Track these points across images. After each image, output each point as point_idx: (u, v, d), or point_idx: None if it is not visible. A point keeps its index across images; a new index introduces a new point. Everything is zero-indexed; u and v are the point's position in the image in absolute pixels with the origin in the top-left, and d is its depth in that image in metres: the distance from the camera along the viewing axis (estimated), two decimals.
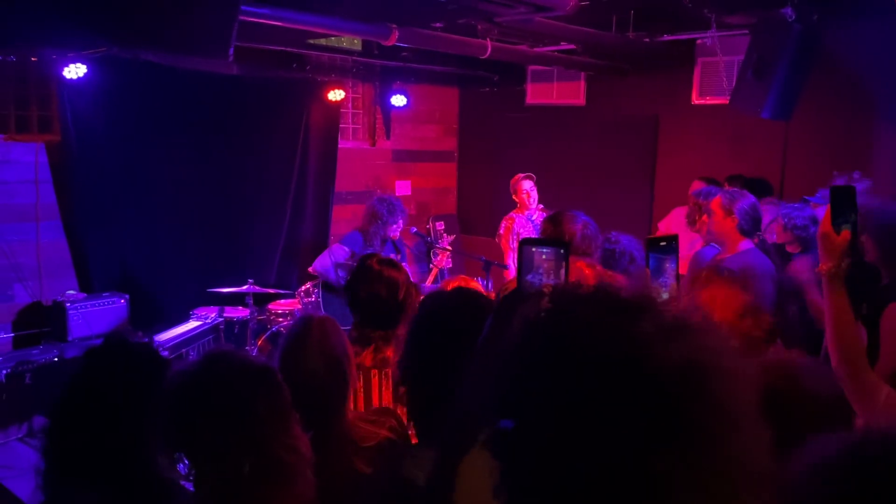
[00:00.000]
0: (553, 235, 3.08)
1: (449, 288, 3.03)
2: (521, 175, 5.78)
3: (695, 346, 0.71)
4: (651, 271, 1.36)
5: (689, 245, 4.58)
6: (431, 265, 5.55)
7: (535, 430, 0.71)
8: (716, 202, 3.67)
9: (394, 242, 5.20)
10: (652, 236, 1.42)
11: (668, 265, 1.37)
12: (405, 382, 1.51)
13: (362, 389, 2.34)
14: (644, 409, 0.68)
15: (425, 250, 6.62)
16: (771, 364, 1.37)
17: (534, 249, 1.15)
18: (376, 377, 2.36)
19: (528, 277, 1.14)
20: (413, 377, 1.49)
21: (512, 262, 5.59)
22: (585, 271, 2.09)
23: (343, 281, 4.91)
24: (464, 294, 1.58)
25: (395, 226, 5.01)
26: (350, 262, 5.03)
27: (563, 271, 1.13)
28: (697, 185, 5.42)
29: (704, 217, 3.76)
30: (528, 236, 5.31)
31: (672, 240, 1.38)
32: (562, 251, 1.14)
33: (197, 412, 1.33)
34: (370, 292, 2.49)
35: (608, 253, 3.21)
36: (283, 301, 5.82)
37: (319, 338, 1.96)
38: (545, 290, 0.82)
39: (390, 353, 2.36)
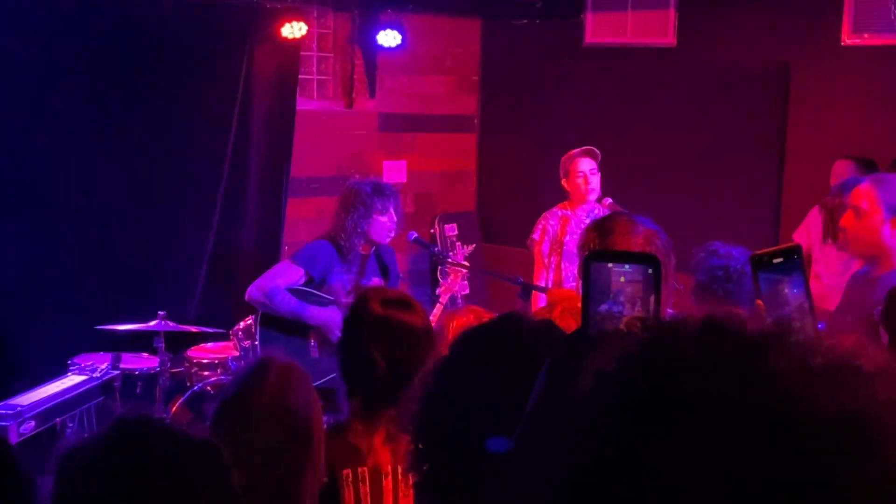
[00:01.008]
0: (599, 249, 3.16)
1: (454, 324, 3.21)
2: (578, 151, 5.79)
3: (854, 394, 0.76)
4: (763, 300, 1.40)
5: (842, 266, 4.54)
6: (438, 290, 5.58)
7: None
8: (866, 193, 3.64)
9: (378, 255, 5.27)
10: (761, 251, 1.44)
11: (790, 291, 1.40)
12: (420, 461, 1.59)
13: (369, 498, 2.44)
14: (785, 473, 0.73)
15: (428, 267, 6.88)
16: None
17: (610, 267, 1.20)
18: (390, 479, 2.45)
19: (602, 308, 1.18)
20: (436, 458, 1.57)
21: (545, 281, 5.69)
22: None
23: (291, 309, 5.04)
24: (525, 328, 1.63)
25: (383, 219, 5.07)
26: (308, 290, 5.09)
27: (652, 299, 1.18)
28: (843, 169, 5.46)
29: (848, 214, 3.75)
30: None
31: (793, 252, 1.41)
32: (650, 270, 1.19)
33: None
34: (375, 353, 2.57)
35: (718, 275, 3.27)
36: (209, 345, 5.90)
37: (277, 392, 2.08)
38: (628, 325, 0.88)
39: None
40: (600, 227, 3.23)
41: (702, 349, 0.79)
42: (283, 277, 5.11)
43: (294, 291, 5.08)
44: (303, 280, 5.08)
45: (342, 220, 5.08)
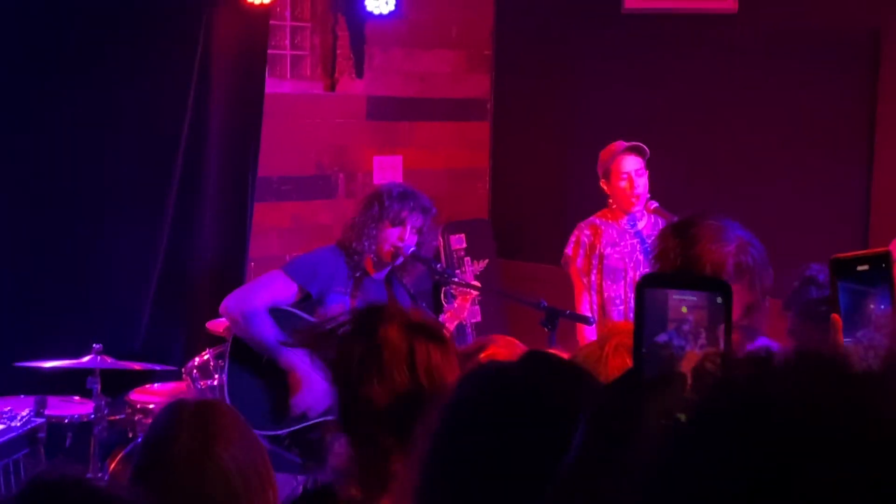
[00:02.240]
0: (681, 262, 3.19)
1: (483, 357, 3.11)
2: (621, 145, 5.71)
3: None
4: (843, 314, 1.41)
5: None
6: (442, 317, 5.57)
7: None
8: None
9: (391, 280, 5.30)
10: (844, 255, 1.48)
11: (874, 304, 1.41)
12: None
13: None
14: None
15: (430, 289, 6.79)
16: None
17: (669, 294, 1.21)
18: None
19: (659, 339, 1.20)
20: None
21: (589, 308, 5.72)
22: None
23: (263, 341, 4.97)
24: (550, 368, 1.67)
25: (393, 230, 5.09)
26: (294, 312, 5.02)
27: (721, 329, 1.19)
28: None
29: None
30: (629, 260, 5.57)
31: (882, 259, 1.43)
32: (719, 299, 1.20)
33: None
34: (387, 388, 2.54)
35: (819, 311, 3.35)
36: (156, 386, 5.87)
37: (195, 450, 2.13)
38: (702, 362, 0.91)
39: None
40: (683, 233, 3.27)
41: (800, 392, 0.79)
42: (268, 293, 4.98)
43: (276, 313, 4.93)
44: (295, 299, 4.98)
45: (353, 215, 5.12)
